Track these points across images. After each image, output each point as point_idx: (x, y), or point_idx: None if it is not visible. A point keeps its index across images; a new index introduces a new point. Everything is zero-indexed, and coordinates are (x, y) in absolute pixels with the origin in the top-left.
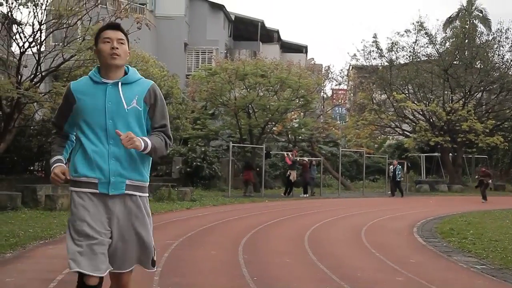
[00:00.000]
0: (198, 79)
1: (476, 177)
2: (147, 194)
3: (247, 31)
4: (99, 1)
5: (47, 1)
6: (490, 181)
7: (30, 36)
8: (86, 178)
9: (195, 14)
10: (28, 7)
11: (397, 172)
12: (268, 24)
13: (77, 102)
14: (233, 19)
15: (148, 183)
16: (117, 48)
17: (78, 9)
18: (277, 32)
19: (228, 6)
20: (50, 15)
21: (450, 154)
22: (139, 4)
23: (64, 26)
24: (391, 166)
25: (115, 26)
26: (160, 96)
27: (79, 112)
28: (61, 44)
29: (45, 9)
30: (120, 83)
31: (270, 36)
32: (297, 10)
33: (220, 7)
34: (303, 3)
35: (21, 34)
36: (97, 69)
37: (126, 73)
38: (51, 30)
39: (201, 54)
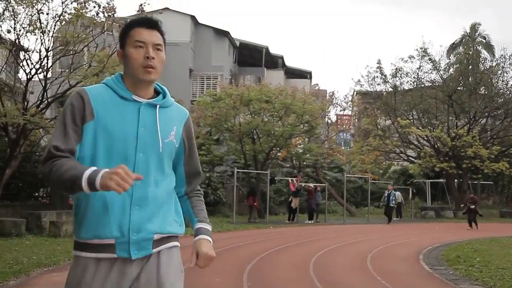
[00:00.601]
0: (203, 104)
1: (462, 205)
2: (178, 244)
3: (251, 57)
4: (105, 28)
5: (54, 28)
6: (477, 207)
7: (37, 62)
8: (99, 240)
9: (200, 40)
10: (35, 34)
11: (391, 198)
12: (273, 50)
13: (95, 119)
14: (238, 45)
15: (183, 233)
16: (153, 58)
17: (85, 36)
18: (282, 58)
19: (233, 32)
20: (57, 42)
21: (456, 180)
22: None
23: (71, 52)
24: (386, 191)
25: (152, 24)
26: (193, 131)
27: (94, 135)
28: (67, 70)
29: (52, 36)
30: (158, 106)
31: (274, 62)
32: (302, 36)
33: (225, 33)
34: (307, 29)
35: (28, 61)
36: (120, 77)
37: (157, 92)
38: (58, 56)
39: (206, 80)
